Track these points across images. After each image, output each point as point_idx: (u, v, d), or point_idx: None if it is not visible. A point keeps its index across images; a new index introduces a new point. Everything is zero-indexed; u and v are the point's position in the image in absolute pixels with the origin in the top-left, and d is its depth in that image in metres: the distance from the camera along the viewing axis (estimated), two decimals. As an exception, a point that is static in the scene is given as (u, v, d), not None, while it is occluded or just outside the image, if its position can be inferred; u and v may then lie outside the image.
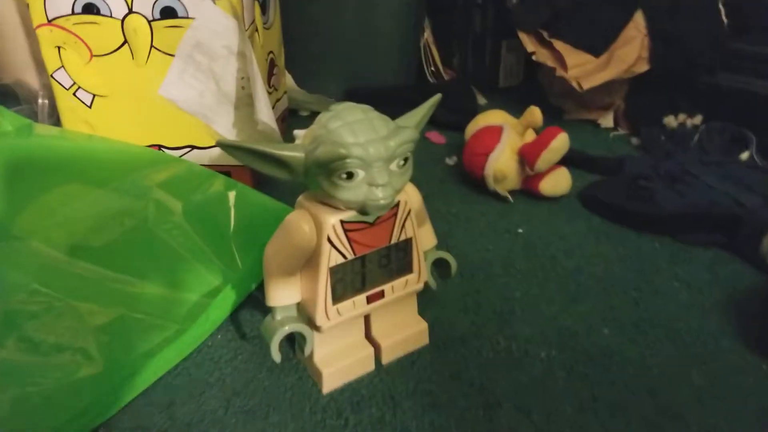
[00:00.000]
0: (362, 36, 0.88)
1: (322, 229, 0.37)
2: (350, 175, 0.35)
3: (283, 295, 0.39)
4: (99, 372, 0.41)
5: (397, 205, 0.39)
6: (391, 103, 0.87)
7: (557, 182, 0.63)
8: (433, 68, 0.98)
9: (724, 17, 0.79)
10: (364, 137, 0.35)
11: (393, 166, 0.36)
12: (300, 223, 0.38)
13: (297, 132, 0.56)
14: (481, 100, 0.93)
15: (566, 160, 0.63)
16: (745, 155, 0.71)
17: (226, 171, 0.60)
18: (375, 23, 0.88)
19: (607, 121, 0.84)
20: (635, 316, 0.48)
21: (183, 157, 0.63)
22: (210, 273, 0.50)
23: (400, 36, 0.91)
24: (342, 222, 0.37)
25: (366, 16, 0.87)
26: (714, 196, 0.60)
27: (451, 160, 0.74)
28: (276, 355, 0.39)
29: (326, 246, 0.38)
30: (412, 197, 0.41)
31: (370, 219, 0.38)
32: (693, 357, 0.43)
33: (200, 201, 0.53)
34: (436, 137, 0.80)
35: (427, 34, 0.98)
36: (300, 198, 0.40)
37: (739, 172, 0.65)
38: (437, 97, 0.42)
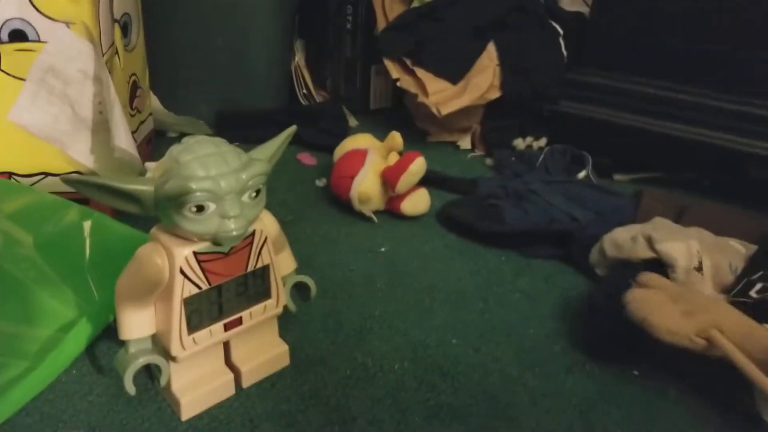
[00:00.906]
0: (233, 59, 0.89)
1: (174, 261, 0.38)
2: (201, 208, 0.36)
3: (137, 327, 0.40)
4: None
5: (253, 233, 0.41)
6: (262, 125, 0.89)
7: (417, 202, 0.68)
8: (305, 90, 1.00)
9: (563, 51, 0.88)
10: (216, 170, 0.36)
11: (245, 198, 0.38)
12: (151, 255, 0.38)
13: (149, 164, 0.55)
14: (353, 122, 0.97)
15: (426, 181, 0.68)
16: (582, 174, 0.80)
17: (83, 199, 0.58)
18: (245, 46, 0.89)
19: (465, 143, 0.91)
20: (481, 326, 0.53)
21: (36, 186, 0.60)
22: (64, 306, 0.48)
23: (271, 59, 0.93)
24: (195, 253, 0.38)
25: (236, 39, 0.88)
26: (554, 213, 0.67)
27: (320, 182, 0.76)
28: (130, 388, 0.39)
29: (179, 278, 0.38)
30: (268, 225, 0.43)
31: (224, 249, 0.40)
32: (530, 361, 0.49)
33: (53, 231, 0.52)
34: (307, 159, 0.82)
35: (299, 57, 1.00)
36: (153, 230, 0.40)
37: (576, 190, 0.73)
38: (292, 128, 0.44)
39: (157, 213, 0.38)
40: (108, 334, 0.48)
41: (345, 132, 0.91)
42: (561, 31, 0.87)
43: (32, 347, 0.45)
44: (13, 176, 0.61)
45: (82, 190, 0.37)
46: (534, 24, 0.87)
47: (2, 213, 0.53)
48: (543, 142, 0.85)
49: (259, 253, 0.42)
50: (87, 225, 0.52)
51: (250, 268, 0.42)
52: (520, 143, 0.85)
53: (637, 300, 0.45)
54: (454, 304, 0.55)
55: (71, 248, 0.51)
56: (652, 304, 0.44)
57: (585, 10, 0.92)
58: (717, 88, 0.76)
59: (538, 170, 0.78)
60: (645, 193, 0.73)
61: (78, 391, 0.43)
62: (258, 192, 0.39)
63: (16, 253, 0.49)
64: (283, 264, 0.46)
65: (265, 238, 0.42)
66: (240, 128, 0.88)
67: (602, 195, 0.72)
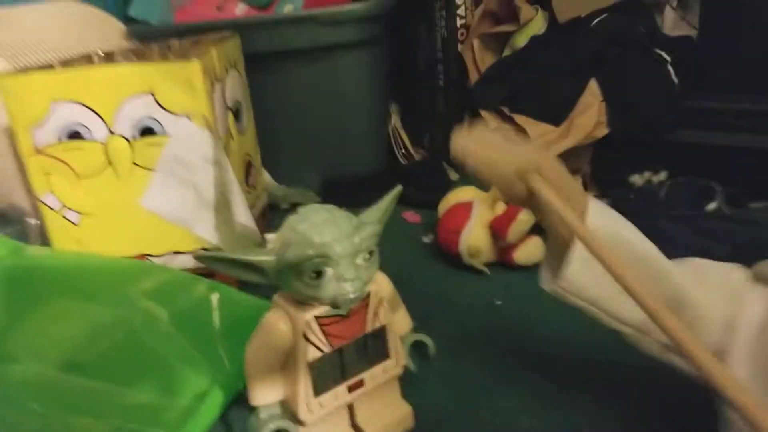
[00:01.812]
0: (333, 130, 0.93)
1: (297, 326, 0.39)
2: (319, 274, 0.38)
3: (266, 393, 0.41)
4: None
5: (368, 295, 0.42)
6: (366, 188, 0.92)
7: (531, 251, 0.65)
8: (403, 150, 1.03)
9: (674, 78, 0.84)
10: (330, 236, 0.38)
11: (359, 260, 0.39)
12: (276, 322, 0.40)
13: (269, 236, 0.58)
14: (453, 176, 0.97)
15: (539, 228, 0.66)
16: (712, 206, 0.74)
17: (210, 273, 0.62)
18: (344, 117, 0.93)
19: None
20: (614, 379, 0.49)
21: (167, 264, 0.65)
22: (198, 376, 0.51)
23: (369, 125, 0.96)
24: (316, 317, 0.40)
25: (335, 111, 0.92)
26: (682, 253, 0.62)
27: (427, 238, 0.77)
28: (263, 455, 0.40)
29: (303, 342, 0.39)
30: (382, 285, 0.43)
31: (343, 312, 0.40)
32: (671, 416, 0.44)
33: (185, 306, 0.55)
34: (411, 217, 0.83)
35: (395, 119, 1.03)
36: (275, 297, 0.42)
37: (707, 224, 0.67)
38: (398, 189, 0.45)
39: (278, 281, 0.40)
40: (239, 401, 0.50)
41: (447, 186, 0.91)
42: (668, 58, 0.83)
43: (171, 416, 0.48)
44: (148, 257, 0.66)
45: (210, 264, 0.39)
46: (636, 54, 0.84)
47: (140, 292, 0.57)
48: (663, 175, 0.80)
49: (376, 313, 0.42)
50: (215, 298, 0.56)
51: (368, 329, 0.42)
52: (637, 179, 0.80)
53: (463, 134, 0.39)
54: (581, 359, 0.52)
55: (202, 321, 0.54)
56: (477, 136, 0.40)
57: (692, 32, 0.87)
58: None
59: (661, 206, 0.73)
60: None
61: (215, 459, 0.45)
62: (371, 253, 0.40)
63: (155, 329, 0.53)
64: (400, 323, 0.46)
65: (381, 299, 0.42)
66: (345, 193, 0.92)
67: (738, 226, 0.66)
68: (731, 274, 0.38)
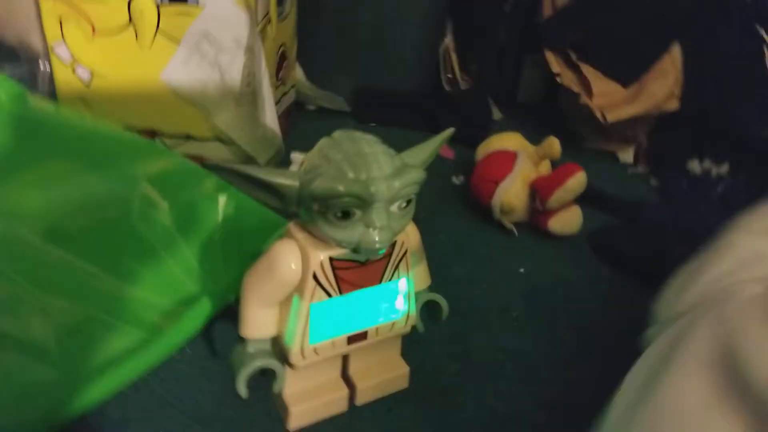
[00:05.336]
0: (380, 34, 0.84)
1: (309, 264, 0.34)
2: (346, 215, 0.32)
3: (259, 327, 0.36)
4: (55, 378, 0.38)
5: (393, 245, 0.36)
6: (401, 107, 0.84)
7: (568, 222, 0.60)
8: (450, 75, 0.94)
9: None
10: (366, 174, 0.32)
11: (394, 208, 0.33)
12: (287, 256, 0.35)
13: (294, 156, 0.52)
14: (497, 114, 0.90)
15: (582, 197, 0.60)
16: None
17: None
18: (395, 22, 0.84)
19: (627, 155, 0.80)
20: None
21: (177, 151, 0.60)
22: (189, 279, 0.47)
23: (420, 38, 0.87)
24: (331, 259, 0.35)
25: (386, 14, 0.83)
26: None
27: (458, 179, 0.71)
28: (242, 391, 0.36)
29: (311, 282, 0.35)
30: (410, 237, 0.38)
31: (361, 258, 0.35)
32: None
33: (189, 201, 0.50)
34: (445, 150, 0.76)
35: (448, 40, 0.93)
36: (290, 225, 0.37)
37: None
38: (449, 131, 0.39)
39: (297, 210, 0.34)
40: (227, 315, 0.46)
41: (488, 124, 0.84)
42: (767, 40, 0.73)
43: (151, 316, 0.44)
44: (157, 134, 0.61)
45: (223, 176, 0.34)
46: (733, 26, 0.74)
47: (143, 174, 0.52)
48: (725, 169, 0.72)
49: (397, 266, 0.37)
50: (222, 199, 0.51)
51: (384, 281, 0.37)
52: (695, 166, 0.73)
53: None
54: (602, 352, 0.48)
55: (204, 221, 0.50)
56: None
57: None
58: None
59: (716, 203, 0.66)
60: None
61: (190, 375, 0.42)
62: (409, 202, 0.34)
63: (151, 218, 0.49)
64: (418, 279, 0.41)
65: (405, 251, 0.37)
66: (378, 108, 0.84)
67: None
68: None
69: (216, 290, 0.46)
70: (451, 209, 0.65)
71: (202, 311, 0.45)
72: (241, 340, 0.37)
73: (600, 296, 0.54)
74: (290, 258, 0.34)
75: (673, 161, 0.75)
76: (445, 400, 0.41)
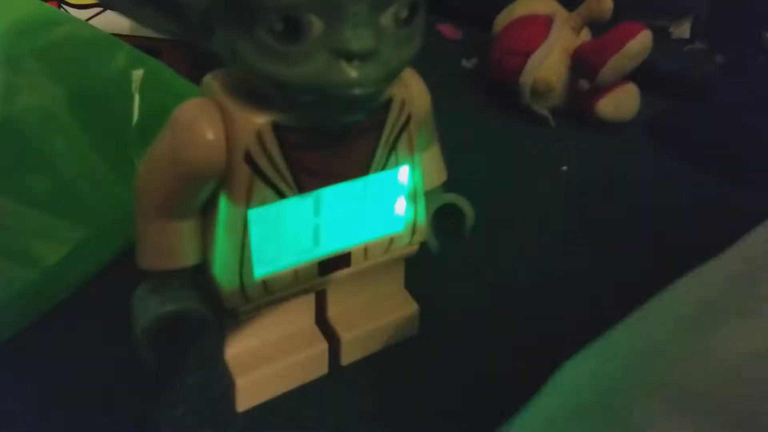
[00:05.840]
0: None
1: (237, 136, 0.19)
2: (294, 26, 0.17)
3: (167, 251, 0.22)
4: None
5: (388, 104, 0.21)
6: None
7: (621, 103, 0.44)
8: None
9: None
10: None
11: (386, 18, 0.18)
12: (197, 122, 0.20)
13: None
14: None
15: (638, 72, 0.44)
16: None
17: (153, 48, 0.42)
18: None
19: (682, 30, 0.64)
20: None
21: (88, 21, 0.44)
22: (93, 190, 0.33)
23: None
24: (276, 126, 0.20)
25: None
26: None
27: (469, 63, 0.54)
28: (146, 355, 0.22)
29: (244, 170, 0.20)
30: (415, 94, 0.23)
31: (331, 126, 0.20)
32: None
33: (95, 80, 0.35)
34: (450, 31, 0.60)
35: None
36: (207, 77, 0.21)
37: None
38: None
39: (212, 42, 0.19)
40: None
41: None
42: None
43: (49, 248, 0.30)
44: (63, 5, 0.45)
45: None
46: None
47: (37, 50, 0.37)
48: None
49: (394, 145, 0.23)
50: (138, 75, 0.36)
51: (374, 170, 0.23)
52: (773, 36, 0.57)
53: None
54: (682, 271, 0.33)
55: (113, 105, 0.35)
56: None
57: None
58: None
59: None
60: None
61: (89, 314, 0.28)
62: (413, 12, 0.19)
63: (41, 107, 0.34)
64: (429, 170, 0.26)
65: (408, 116, 0.22)
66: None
67: None
68: None
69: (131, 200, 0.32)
70: (465, 98, 0.50)
71: (113, 237, 0.32)
72: (144, 277, 0.22)
73: (669, 197, 0.40)
74: (202, 123, 0.19)
75: (742, 33, 0.59)
76: (467, 352, 0.28)
